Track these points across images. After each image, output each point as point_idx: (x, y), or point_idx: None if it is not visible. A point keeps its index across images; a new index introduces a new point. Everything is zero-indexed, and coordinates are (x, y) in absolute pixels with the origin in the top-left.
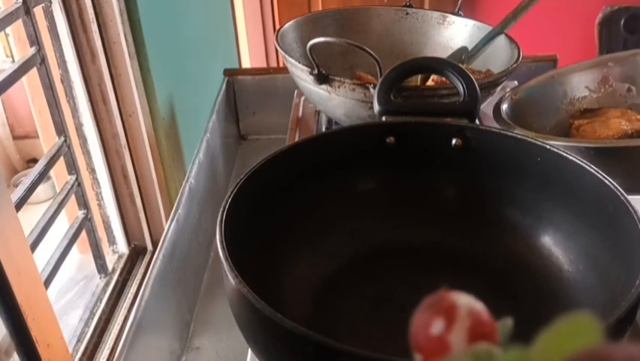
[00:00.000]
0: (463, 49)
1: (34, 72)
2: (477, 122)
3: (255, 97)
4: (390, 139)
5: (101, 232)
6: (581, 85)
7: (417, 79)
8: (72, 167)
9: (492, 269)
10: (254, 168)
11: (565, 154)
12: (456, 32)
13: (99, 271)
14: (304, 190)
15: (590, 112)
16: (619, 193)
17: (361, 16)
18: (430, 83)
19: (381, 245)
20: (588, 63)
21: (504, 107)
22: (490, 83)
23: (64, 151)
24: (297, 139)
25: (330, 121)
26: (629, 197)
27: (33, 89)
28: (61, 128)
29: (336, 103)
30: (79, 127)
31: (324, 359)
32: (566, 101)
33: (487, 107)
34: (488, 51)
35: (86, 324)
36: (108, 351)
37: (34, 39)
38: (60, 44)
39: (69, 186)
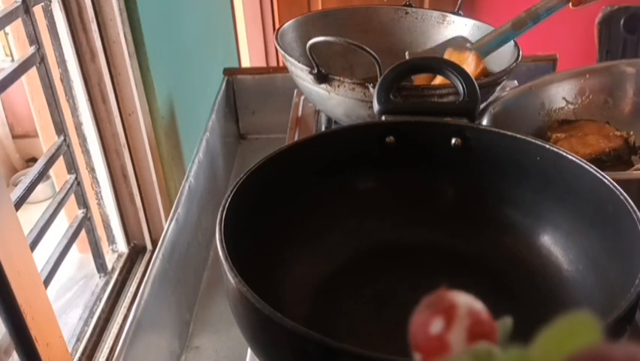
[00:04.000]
0: (460, 38)
1: (33, 71)
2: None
3: (255, 96)
4: (390, 138)
5: (101, 232)
6: (558, 96)
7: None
8: (71, 166)
9: (491, 269)
10: (253, 168)
11: (565, 154)
12: (456, 32)
13: (99, 271)
14: (304, 190)
15: (568, 124)
16: (618, 193)
17: (361, 16)
18: (436, 82)
19: (380, 245)
20: (565, 74)
21: (484, 122)
22: (490, 83)
23: (63, 150)
24: (296, 138)
25: (329, 120)
26: None
27: (32, 89)
28: (60, 128)
29: (336, 102)
30: (78, 126)
31: (323, 359)
32: (543, 112)
33: None
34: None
35: (86, 323)
36: (108, 350)
37: (34, 38)
38: (60, 43)
39: (68, 186)
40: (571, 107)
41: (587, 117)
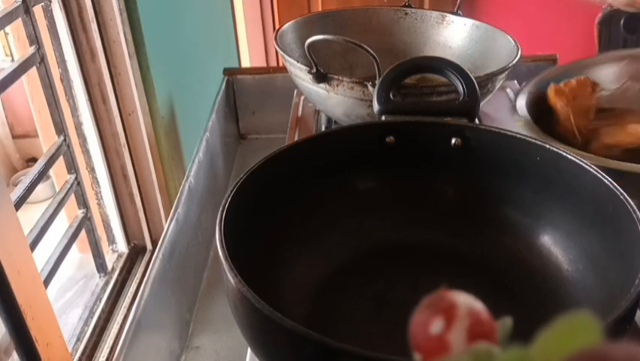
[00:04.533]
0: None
1: (33, 71)
2: (476, 121)
3: (255, 96)
4: (390, 138)
5: (101, 231)
6: (596, 80)
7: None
8: (71, 166)
9: (491, 269)
10: (253, 168)
11: (564, 153)
12: (455, 32)
13: (99, 271)
14: (304, 189)
15: (604, 112)
16: (618, 193)
17: (360, 17)
18: None
19: (380, 245)
20: (605, 57)
21: (521, 101)
22: (489, 80)
23: (63, 150)
24: (296, 138)
25: (329, 120)
26: None
27: (32, 89)
28: (60, 128)
29: (335, 102)
30: (78, 126)
31: (323, 359)
32: None
33: (486, 106)
34: (488, 50)
35: (86, 323)
36: (108, 350)
37: (34, 38)
38: (60, 43)
39: (68, 186)
40: (606, 93)
41: (623, 105)
